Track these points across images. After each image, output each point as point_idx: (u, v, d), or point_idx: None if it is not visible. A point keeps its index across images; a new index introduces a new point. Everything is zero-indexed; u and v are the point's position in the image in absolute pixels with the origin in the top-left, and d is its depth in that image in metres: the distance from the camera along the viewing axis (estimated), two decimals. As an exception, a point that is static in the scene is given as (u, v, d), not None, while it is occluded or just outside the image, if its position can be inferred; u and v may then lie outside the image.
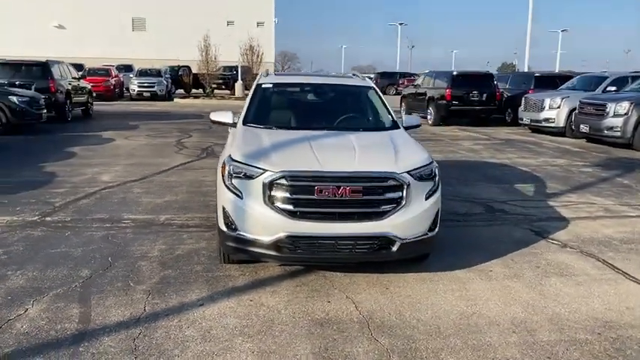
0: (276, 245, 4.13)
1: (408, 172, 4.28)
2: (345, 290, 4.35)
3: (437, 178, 4.51)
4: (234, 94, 33.58)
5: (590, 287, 4.58)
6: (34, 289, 4.23)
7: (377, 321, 3.84)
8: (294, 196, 4.10)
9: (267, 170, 4.14)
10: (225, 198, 4.29)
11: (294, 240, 4.12)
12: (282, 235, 4.10)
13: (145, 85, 28.66)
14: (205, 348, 3.39)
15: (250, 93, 5.92)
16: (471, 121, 19.35)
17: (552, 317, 3.99)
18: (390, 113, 5.65)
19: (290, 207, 4.11)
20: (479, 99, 18.56)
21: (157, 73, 30.32)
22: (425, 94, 19.92)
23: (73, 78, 18.51)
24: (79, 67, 30.13)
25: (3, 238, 5.47)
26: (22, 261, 4.83)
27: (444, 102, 18.45)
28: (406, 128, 5.60)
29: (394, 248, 4.25)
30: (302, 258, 4.26)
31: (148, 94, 28.63)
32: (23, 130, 13.93)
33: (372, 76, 44.71)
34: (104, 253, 5.08)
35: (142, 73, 30.49)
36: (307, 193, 4.10)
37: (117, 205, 6.90)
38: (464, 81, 18.68)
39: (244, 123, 5.31)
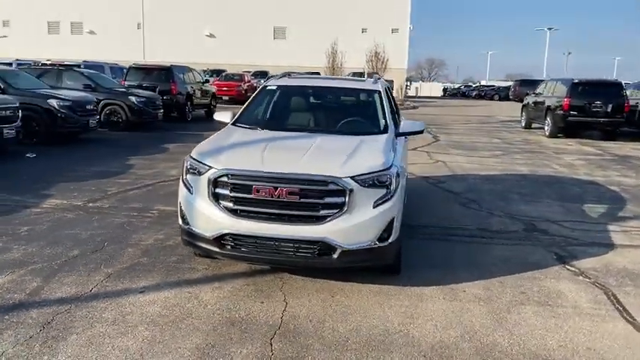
0: (219, 242, 4.23)
1: (351, 178, 4.12)
2: (289, 293, 4.32)
3: (393, 186, 4.28)
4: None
5: (566, 321, 4.05)
6: (20, 262, 4.78)
7: (290, 326, 3.77)
8: (235, 194, 4.17)
9: (212, 167, 4.26)
10: (181, 193, 4.48)
11: (234, 238, 4.19)
12: (223, 232, 4.19)
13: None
14: (106, 330, 3.60)
15: (254, 94, 6.07)
16: (597, 135, 17.59)
17: (485, 347, 3.61)
18: (385, 118, 5.44)
19: (231, 205, 4.18)
20: (603, 110, 16.79)
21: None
22: (543, 102, 18.53)
23: (197, 82, 20.09)
24: (218, 73, 32.81)
25: (38, 217, 6.20)
26: (35, 238, 5.46)
27: (562, 112, 16.99)
28: (402, 134, 5.36)
29: (335, 255, 4.12)
30: (244, 257, 4.30)
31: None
32: (141, 126, 15.45)
33: (509, 83, 42.26)
34: (106, 237, 5.55)
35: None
36: (246, 192, 4.14)
37: (159, 197, 7.44)
38: (586, 90, 17.02)
39: (234, 123, 5.47)
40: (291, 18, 45.37)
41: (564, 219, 7.07)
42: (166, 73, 18.31)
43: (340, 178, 4.09)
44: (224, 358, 3.32)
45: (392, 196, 4.27)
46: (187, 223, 4.40)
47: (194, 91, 19.47)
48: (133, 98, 15.25)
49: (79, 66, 18.24)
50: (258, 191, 4.10)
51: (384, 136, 5.08)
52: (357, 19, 43.72)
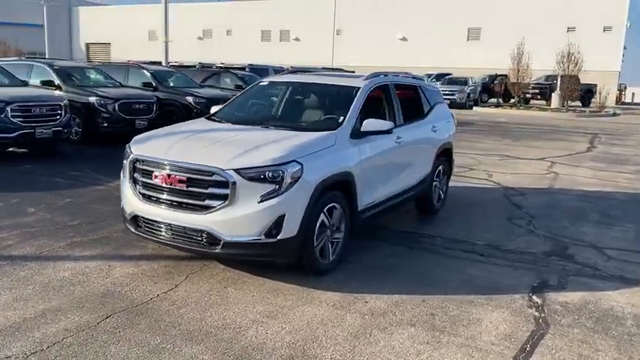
0: (135, 222, 4.61)
1: (235, 170, 4.13)
2: (190, 279, 4.48)
3: (285, 183, 4.16)
4: (549, 105, 31.31)
5: (436, 350, 3.53)
6: (23, 224, 5.74)
7: (149, 306, 3.96)
8: (142, 179, 4.50)
9: (132, 153, 4.64)
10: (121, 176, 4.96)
11: (143, 220, 4.53)
12: (135, 213, 4.56)
13: (446, 92, 29.28)
14: (3, 284, 4.22)
15: (246, 88, 6.25)
16: None
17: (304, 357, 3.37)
18: (346, 115, 5.16)
19: (140, 188, 4.53)
20: None
21: (463, 82, 30.63)
22: None
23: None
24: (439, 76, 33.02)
25: (84, 192, 7.28)
26: (60, 207, 6.45)
27: None
28: (364, 133, 5.07)
29: (219, 246, 4.19)
30: (151, 238, 4.58)
31: (448, 102, 29.13)
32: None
33: None
34: (117, 214, 6.25)
35: (450, 81, 31.28)
36: (149, 178, 4.44)
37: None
38: None
39: (208, 116, 5.74)
40: (486, 19, 43.44)
41: (619, 246, 5.90)
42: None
43: (223, 169, 4.13)
44: (52, 320, 3.66)
45: (282, 193, 4.15)
46: (121, 203, 4.86)
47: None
48: (190, 99, 16.17)
49: (243, 69, 20.12)
50: (156, 177, 4.36)
51: (325, 133, 4.89)
52: (560, 17, 40.01)
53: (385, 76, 6.16)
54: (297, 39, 51.73)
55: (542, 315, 4.12)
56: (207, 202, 4.20)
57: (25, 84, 10.70)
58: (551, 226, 6.65)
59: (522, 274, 4.95)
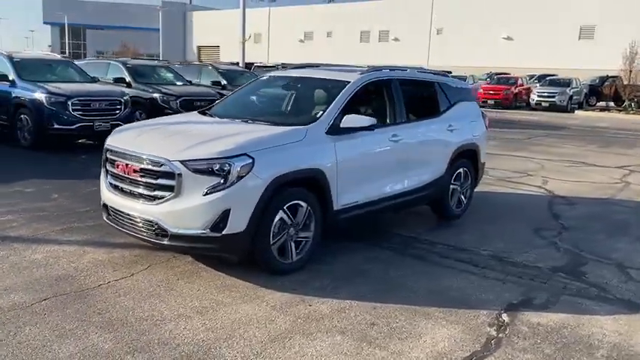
0: (104, 210, 4.75)
1: (181, 161, 4.09)
2: (150, 270, 4.51)
3: (230, 176, 4.05)
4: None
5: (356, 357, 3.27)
6: (38, 208, 6.11)
7: (92, 292, 4.04)
8: (110, 169, 4.61)
9: (105, 143, 4.78)
10: (105, 164, 5.12)
11: (110, 208, 4.64)
12: (104, 201, 4.69)
13: (545, 94, 27.63)
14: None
15: (247, 83, 6.18)
16: None
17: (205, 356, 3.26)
18: (326, 110, 4.92)
19: (109, 177, 4.64)
20: None
21: (566, 84, 28.62)
22: None
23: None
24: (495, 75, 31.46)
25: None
26: (82, 195, 6.80)
27: None
28: (345, 130, 4.83)
29: (167, 238, 4.18)
30: (116, 227, 4.64)
31: (547, 104, 27.52)
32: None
33: None
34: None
35: (552, 82, 29.36)
36: (113, 167, 4.54)
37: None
38: None
39: (203, 110, 5.74)
40: (601, 15, 40.19)
41: (651, 267, 5.16)
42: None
43: (170, 160, 4.12)
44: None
45: (228, 187, 4.05)
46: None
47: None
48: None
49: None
50: (118, 167, 4.45)
51: (294, 127, 4.71)
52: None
53: (392, 70, 5.83)
54: (396, 39, 51.17)
55: (500, 335, 3.67)
56: (156, 192, 4.20)
57: (94, 80, 11.44)
58: (581, 239, 5.96)
59: (508, 290, 4.46)
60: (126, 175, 4.38)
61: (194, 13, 66.62)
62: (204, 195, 4.05)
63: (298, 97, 5.64)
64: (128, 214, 4.38)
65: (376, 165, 5.22)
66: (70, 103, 9.78)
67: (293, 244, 4.51)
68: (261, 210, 4.18)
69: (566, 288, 4.57)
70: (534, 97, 28.11)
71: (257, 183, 4.13)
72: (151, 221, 4.21)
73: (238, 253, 4.27)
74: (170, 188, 4.13)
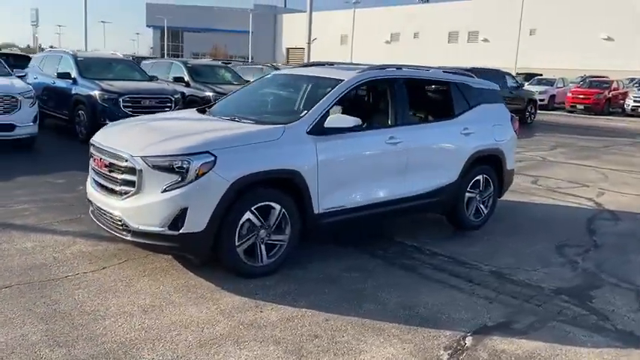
0: (89, 203, 4.85)
1: (142, 157, 4.07)
2: (123, 264, 4.55)
3: (189, 174, 3.97)
4: None
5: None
6: (57, 199, 6.39)
7: (47, 284, 4.13)
8: (90, 163, 4.70)
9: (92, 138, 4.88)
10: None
11: (90, 202, 4.74)
12: (87, 196, 4.80)
13: (638, 98, 25.46)
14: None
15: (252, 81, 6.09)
16: None
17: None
18: (309, 108, 4.71)
19: (91, 171, 4.73)
20: None
21: (668, 88, 26.20)
22: None
23: (510, 87, 19.07)
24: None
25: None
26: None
27: None
28: (332, 130, 4.61)
29: (129, 234, 4.19)
30: (95, 221, 4.71)
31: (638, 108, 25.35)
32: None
33: None
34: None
35: (652, 87, 27.01)
36: (92, 161, 4.62)
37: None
38: None
39: (202, 108, 5.69)
40: None
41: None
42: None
43: (132, 156, 4.11)
44: (-37, 283, 4.03)
45: (186, 184, 3.98)
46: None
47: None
48: None
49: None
50: (95, 161, 4.52)
51: (270, 126, 4.55)
52: None
53: (399, 69, 5.51)
54: (485, 40, 49.38)
55: (449, 360, 3.31)
56: (122, 187, 4.21)
57: (151, 79, 11.89)
58: (608, 259, 5.34)
59: (491, 310, 4.05)
60: (100, 170, 4.43)
61: (284, 15, 68.02)
62: (163, 192, 4.00)
63: (292, 96, 5.48)
64: (102, 209, 4.42)
65: (367, 168, 4.94)
66: (121, 100, 10.21)
67: (264, 247, 4.36)
68: (223, 210, 4.06)
69: (560, 313, 4.08)
70: (629, 103, 25.97)
71: (218, 182, 4.02)
72: (117, 216, 4.22)
73: (198, 253, 4.19)
74: (133, 184, 4.12)
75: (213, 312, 3.77)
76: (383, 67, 5.43)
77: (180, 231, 4.00)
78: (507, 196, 7.44)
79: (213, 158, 4.02)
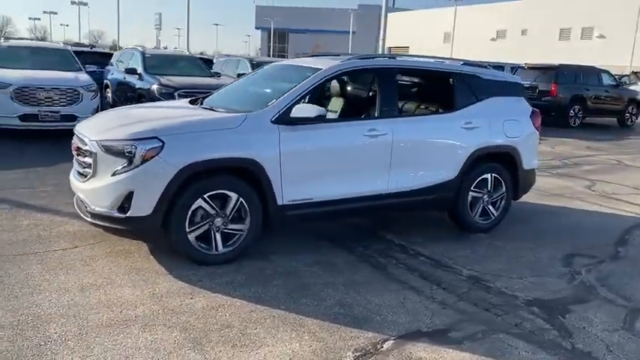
0: (75, 189, 5.11)
1: (97, 142, 4.22)
2: (97, 245, 4.75)
3: (135, 158, 4.05)
4: None
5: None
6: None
7: (17, 257, 4.41)
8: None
9: (78, 125, 5.12)
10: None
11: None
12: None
13: None
14: (-27, 221, 5.21)
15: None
16: None
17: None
18: (279, 98, 4.61)
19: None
20: None
21: None
22: None
23: (604, 85, 17.59)
24: None
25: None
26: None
27: None
28: (300, 120, 4.50)
29: (89, 215, 4.36)
30: (76, 206, 4.90)
31: None
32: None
33: None
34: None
35: None
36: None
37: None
38: None
39: (194, 100, 5.69)
40: None
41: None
42: (552, 72, 16.88)
43: (91, 140, 4.28)
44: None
45: (132, 169, 4.07)
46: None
47: (592, 95, 17.11)
48: None
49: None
50: (72, 146, 4.76)
51: (230, 115, 4.52)
52: None
53: (391, 58, 5.26)
54: (601, 36, 45.72)
55: (348, 364, 3.10)
56: (84, 170, 4.39)
57: (213, 75, 12.31)
58: (619, 273, 4.78)
59: (437, 316, 3.75)
60: (73, 154, 4.65)
61: (389, 14, 67.54)
62: (112, 175, 4.12)
63: (277, 86, 5.36)
64: (74, 192, 4.64)
65: (340, 161, 4.75)
66: (176, 94, 10.66)
67: (219, 236, 4.34)
68: (171, 195, 4.10)
69: (518, 325, 3.68)
70: None
71: (165, 167, 4.06)
72: (81, 198, 4.41)
73: (146, 236, 4.26)
74: (91, 167, 4.27)
75: (144, 295, 3.81)
76: (371, 57, 5.19)
77: (127, 214, 4.08)
78: (548, 200, 6.91)
79: (160, 144, 4.07)
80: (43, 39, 76.25)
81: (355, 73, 5.00)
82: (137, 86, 11.38)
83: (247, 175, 4.36)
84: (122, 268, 4.24)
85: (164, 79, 10.97)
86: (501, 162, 5.63)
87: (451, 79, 5.46)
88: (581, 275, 4.65)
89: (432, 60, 5.66)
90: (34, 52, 10.88)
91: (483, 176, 5.51)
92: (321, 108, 4.50)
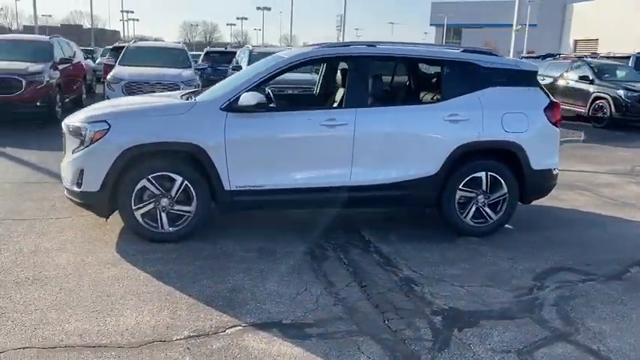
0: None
1: (66, 124, 4.78)
2: (71, 221, 5.38)
3: (86, 140, 4.50)
4: None
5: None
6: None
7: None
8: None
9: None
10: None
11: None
12: None
13: None
14: None
15: None
16: None
17: None
18: (235, 86, 4.71)
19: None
20: None
21: None
22: None
23: None
24: None
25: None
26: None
27: None
28: (244, 108, 4.58)
29: (65, 190, 4.94)
30: None
31: None
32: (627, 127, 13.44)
33: None
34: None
35: None
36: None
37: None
38: None
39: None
40: None
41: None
42: None
43: (64, 122, 4.87)
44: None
45: (83, 149, 4.55)
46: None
47: None
48: (621, 92, 13.44)
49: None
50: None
51: (179, 101, 4.78)
52: None
53: (371, 46, 5.05)
54: None
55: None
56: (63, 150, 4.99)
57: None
58: (598, 295, 4.08)
59: (316, 310, 3.61)
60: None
61: (574, 5, 61.79)
62: (72, 154, 4.63)
63: (248, 75, 5.45)
64: None
65: (293, 150, 4.72)
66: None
67: (165, 215, 4.62)
68: (116, 174, 4.48)
69: (397, 332, 3.41)
70: None
71: (110, 148, 4.45)
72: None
73: (97, 210, 4.68)
74: (63, 147, 4.86)
75: (75, 261, 4.23)
76: (347, 45, 5.04)
77: (81, 189, 4.57)
78: (610, 209, 6.03)
79: (107, 126, 4.47)
80: (244, 44, 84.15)
81: (324, 61, 4.89)
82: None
83: (192, 160, 4.57)
84: (83, 238, 4.72)
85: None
86: (499, 159, 5.05)
87: (442, 67, 5.04)
88: (542, 292, 4.03)
89: (422, 47, 5.27)
90: (155, 52, 12.26)
91: (475, 174, 5.00)
92: (261, 96, 4.52)
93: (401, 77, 5.44)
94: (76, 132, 4.61)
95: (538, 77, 5.24)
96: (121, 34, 74.24)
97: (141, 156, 4.50)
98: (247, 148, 4.62)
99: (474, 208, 5.06)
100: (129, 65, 11.41)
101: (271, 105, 5.02)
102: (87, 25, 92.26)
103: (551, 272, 4.38)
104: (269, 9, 71.43)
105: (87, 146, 4.51)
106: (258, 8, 67.94)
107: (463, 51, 5.22)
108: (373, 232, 5.15)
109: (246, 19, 77.16)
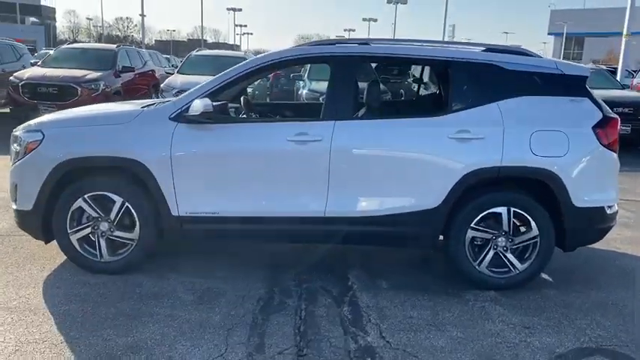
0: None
1: (13, 135, 4.25)
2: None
3: (21, 150, 3.93)
4: None
5: None
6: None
7: None
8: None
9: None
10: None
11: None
12: None
13: None
14: None
15: None
16: None
17: None
18: (189, 92, 3.93)
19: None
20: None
21: None
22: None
23: None
24: None
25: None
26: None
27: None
28: (194, 118, 3.81)
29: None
30: None
31: None
32: None
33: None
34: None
35: None
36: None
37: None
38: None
39: None
40: None
41: None
42: None
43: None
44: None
45: (18, 160, 3.98)
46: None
47: None
48: None
49: None
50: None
51: (130, 109, 4.07)
52: None
53: (362, 45, 4.08)
54: None
55: None
56: (18, 161, 4.49)
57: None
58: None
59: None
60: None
61: None
62: (12, 166, 4.10)
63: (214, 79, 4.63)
64: None
65: (254, 170, 3.86)
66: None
67: (104, 242, 3.96)
68: (50, 191, 3.88)
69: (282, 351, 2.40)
70: None
71: (43, 161, 3.84)
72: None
73: (31, 232, 4.07)
74: (12, 158, 4.35)
75: (6, 279, 3.70)
76: (332, 43, 4.09)
77: (15, 207, 4.02)
78: None
79: (41, 137, 3.89)
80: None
81: (308, 62, 3.99)
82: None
83: (134, 178, 3.86)
84: (36, 251, 4.24)
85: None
86: (529, 192, 3.83)
87: (451, 71, 3.92)
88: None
89: (427, 46, 4.15)
90: (215, 60, 11.90)
91: (493, 209, 3.82)
92: (208, 103, 3.69)
93: (397, 83, 4.37)
94: (14, 141, 4.08)
95: (587, 84, 3.92)
96: (241, 48, 77.05)
97: (76, 171, 3.85)
98: (198, 166, 3.83)
99: (491, 253, 3.88)
100: (186, 74, 11.13)
101: (243, 114, 4.20)
102: (210, 39, 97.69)
103: (580, 356, 3.10)
104: (375, 20, 70.75)
105: (20, 158, 3.94)
106: (364, 20, 67.47)
107: (485, 50, 4.05)
108: (362, 275, 4.13)
109: (353, 30, 76.49)
